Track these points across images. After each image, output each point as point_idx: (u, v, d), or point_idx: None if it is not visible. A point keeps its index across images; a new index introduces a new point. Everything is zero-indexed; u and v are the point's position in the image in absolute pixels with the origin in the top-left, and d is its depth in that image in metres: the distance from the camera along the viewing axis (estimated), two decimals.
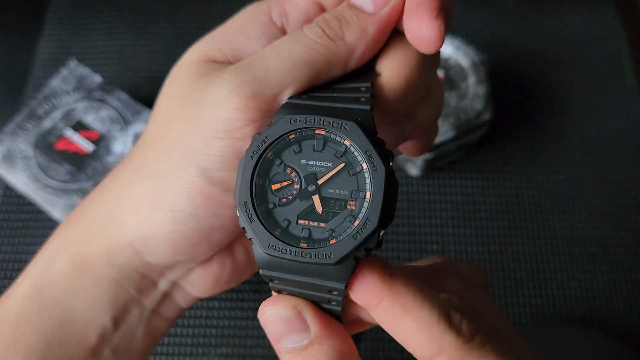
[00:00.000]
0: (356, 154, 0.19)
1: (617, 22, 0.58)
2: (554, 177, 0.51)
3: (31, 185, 0.45)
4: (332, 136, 0.19)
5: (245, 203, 0.19)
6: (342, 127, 0.19)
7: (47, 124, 0.47)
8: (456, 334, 0.18)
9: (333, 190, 0.19)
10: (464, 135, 0.46)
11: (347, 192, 0.19)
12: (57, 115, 0.47)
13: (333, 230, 0.18)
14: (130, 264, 0.23)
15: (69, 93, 0.48)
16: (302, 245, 0.18)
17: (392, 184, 0.18)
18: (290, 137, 0.19)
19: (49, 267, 0.24)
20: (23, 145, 0.46)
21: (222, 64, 0.23)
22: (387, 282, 0.18)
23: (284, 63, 0.20)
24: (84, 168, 0.45)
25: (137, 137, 0.46)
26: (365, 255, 0.18)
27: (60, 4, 0.60)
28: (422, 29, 0.20)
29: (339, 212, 0.18)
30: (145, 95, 0.55)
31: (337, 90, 0.21)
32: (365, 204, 0.18)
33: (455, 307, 0.19)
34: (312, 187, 0.19)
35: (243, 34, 0.23)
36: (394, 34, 0.22)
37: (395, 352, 0.44)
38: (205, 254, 0.24)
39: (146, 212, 0.22)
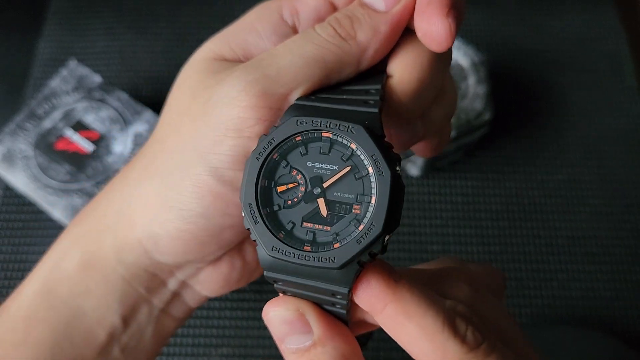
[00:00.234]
0: (362, 157, 0.19)
1: (617, 22, 0.58)
2: (554, 177, 0.51)
3: (31, 185, 0.45)
4: (339, 139, 0.19)
5: (250, 204, 0.19)
6: (349, 130, 0.19)
7: (47, 124, 0.47)
8: (460, 342, 0.18)
9: (338, 194, 0.19)
10: (464, 136, 0.46)
11: (353, 196, 0.18)
12: (57, 115, 0.47)
13: (337, 234, 0.18)
14: (140, 263, 0.23)
15: (68, 93, 0.48)
16: (305, 248, 0.18)
17: (398, 188, 0.18)
18: (297, 139, 0.19)
19: (58, 266, 0.24)
20: (23, 145, 0.46)
21: (232, 62, 0.23)
22: (391, 287, 0.18)
23: (296, 61, 0.20)
24: (84, 168, 0.45)
25: (137, 137, 0.46)
26: (370, 260, 0.18)
27: (60, 5, 0.60)
28: (433, 27, 0.19)
29: (344, 216, 0.18)
30: (145, 95, 0.55)
31: (346, 93, 0.21)
32: (371, 209, 0.18)
33: (461, 314, 0.18)
34: (317, 190, 0.19)
35: (254, 32, 0.23)
36: (405, 33, 0.21)
37: (396, 352, 0.44)
38: (215, 253, 0.24)
39: (156, 211, 0.22)
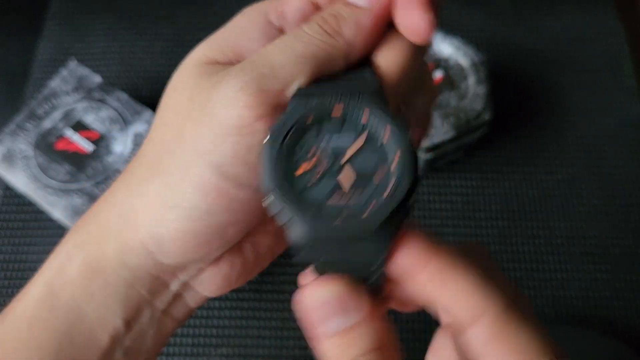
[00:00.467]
0: (376, 124, 0.19)
1: (617, 22, 0.58)
2: (554, 177, 0.51)
3: (31, 185, 0.45)
4: (350, 112, 0.19)
5: (275, 188, 0.18)
6: (359, 100, 0.19)
7: (47, 124, 0.47)
8: (502, 295, 0.18)
9: (358, 166, 0.19)
10: (463, 136, 0.46)
11: (372, 165, 0.18)
12: (57, 115, 0.47)
13: (364, 204, 0.18)
14: (143, 266, 0.23)
15: (68, 93, 0.48)
16: (337, 222, 0.18)
17: (414, 150, 0.18)
18: (308, 120, 0.19)
19: (61, 269, 0.25)
20: (23, 145, 0.46)
21: (225, 65, 0.23)
22: (432, 245, 0.19)
23: (287, 59, 0.21)
24: (84, 168, 0.45)
25: (137, 137, 0.46)
26: (403, 219, 0.18)
27: (60, 6, 0.60)
28: (412, 20, 0.21)
29: (367, 187, 0.18)
30: (145, 96, 0.55)
31: (342, 79, 0.21)
32: (393, 172, 0.18)
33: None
34: (336, 166, 0.19)
35: (244, 35, 0.24)
36: (388, 28, 0.23)
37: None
38: (218, 252, 0.24)
39: (159, 211, 0.22)
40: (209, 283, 0.25)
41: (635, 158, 0.52)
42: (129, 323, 0.24)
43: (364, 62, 0.22)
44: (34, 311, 0.24)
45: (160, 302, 0.25)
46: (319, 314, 0.19)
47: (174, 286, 0.25)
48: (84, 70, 0.49)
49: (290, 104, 0.20)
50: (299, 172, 0.19)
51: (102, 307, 0.23)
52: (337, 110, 0.19)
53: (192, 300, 0.26)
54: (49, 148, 0.46)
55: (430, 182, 0.51)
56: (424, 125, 0.27)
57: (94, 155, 0.46)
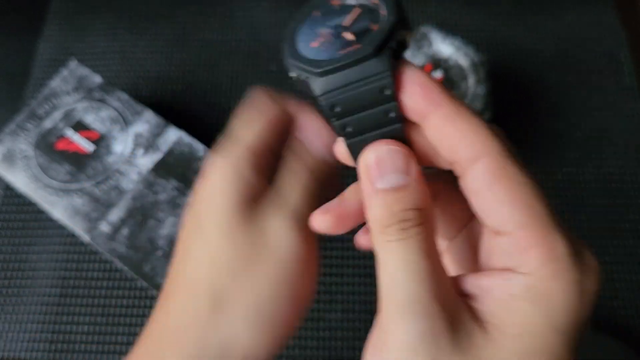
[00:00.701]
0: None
1: (617, 22, 0.58)
2: (553, 177, 0.51)
3: (31, 185, 0.45)
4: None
5: (289, 59, 0.21)
6: None
7: (47, 124, 0.47)
8: (501, 142, 0.19)
9: (355, 27, 0.21)
10: None
11: (367, 24, 0.21)
12: (57, 115, 0.47)
13: (368, 42, 0.20)
14: None
15: (69, 93, 0.48)
16: (341, 52, 0.20)
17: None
18: (316, 13, 0.22)
19: None
20: (23, 145, 0.46)
21: (256, 191, 0.24)
22: (439, 87, 0.20)
23: (307, 199, 0.24)
24: (84, 168, 0.45)
25: (137, 137, 0.46)
26: (399, 47, 0.20)
27: (60, 5, 0.60)
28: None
29: (367, 34, 0.20)
30: (145, 95, 0.55)
31: None
32: (383, 15, 0.20)
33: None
34: (339, 29, 0.21)
35: (270, 151, 0.26)
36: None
37: None
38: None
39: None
40: None
41: (634, 158, 0.52)
42: None
43: None
44: None
45: None
46: (375, 169, 0.20)
47: None
48: (84, 70, 0.49)
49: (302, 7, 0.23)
50: (313, 44, 0.21)
51: None
52: (336, 1, 0.22)
53: None
54: (50, 148, 0.46)
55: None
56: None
57: (94, 155, 0.46)
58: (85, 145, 0.46)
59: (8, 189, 0.51)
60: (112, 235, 0.43)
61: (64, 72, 0.49)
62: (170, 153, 0.46)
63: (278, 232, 0.23)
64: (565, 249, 0.19)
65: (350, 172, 0.23)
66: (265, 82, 0.56)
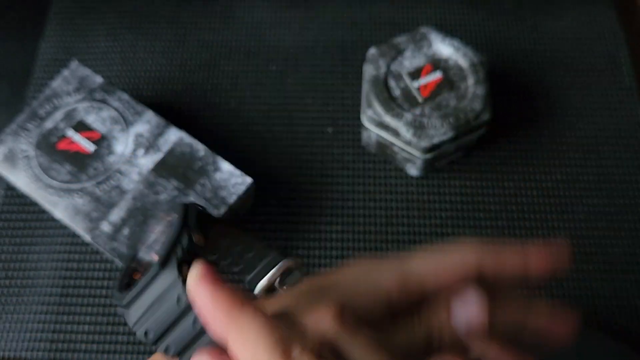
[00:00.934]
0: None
1: (616, 22, 0.58)
2: (552, 177, 0.51)
3: (32, 185, 0.45)
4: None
5: (113, 295, 0.22)
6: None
7: (48, 124, 0.47)
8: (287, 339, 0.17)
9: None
10: (463, 136, 0.47)
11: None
12: (58, 115, 0.48)
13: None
14: None
15: (70, 94, 0.49)
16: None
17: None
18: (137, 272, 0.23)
19: None
20: (24, 145, 0.47)
21: None
22: (234, 302, 0.18)
23: None
24: (85, 168, 0.46)
25: (137, 137, 0.47)
26: (186, 254, 0.20)
27: (61, 6, 0.60)
28: None
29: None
30: (145, 96, 0.56)
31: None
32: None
33: (306, 349, 0.17)
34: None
35: None
36: None
37: None
38: None
39: None
40: None
41: (634, 158, 0.52)
42: None
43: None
44: None
45: None
46: None
47: None
48: (85, 71, 0.49)
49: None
50: (135, 277, 0.22)
51: None
52: (154, 230, 0.24)
53: None
54: (51, 148, 0.46)
55: (429, 182, 0.51)
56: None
57: (95, 156, 0.46)
58: (86, 145, 0.47)
59: (9, 189, 0.51)
60: (113, 235, 0.43)
61: (65, 73, 0.49)
62: (170, 153, 0.46)
63: None
64: None
65: None
66: (265, 82, 0.56)
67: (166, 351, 0.20)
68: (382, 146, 0.49)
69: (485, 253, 0.22)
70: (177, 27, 0.59)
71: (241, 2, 0.60)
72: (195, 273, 0.18)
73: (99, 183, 0.45)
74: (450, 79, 0.47)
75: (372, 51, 0.49)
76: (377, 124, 0.47)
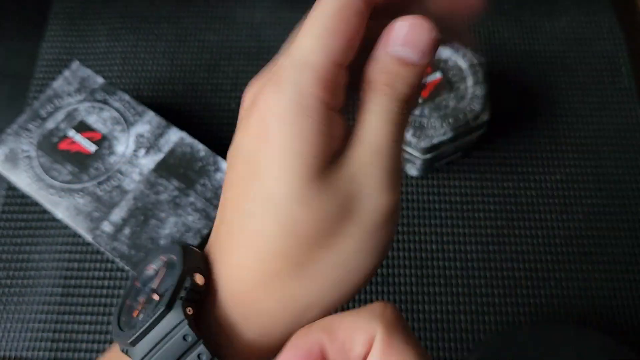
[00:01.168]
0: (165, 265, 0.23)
1: (615, 23, 0.58)
2: (551, 177, 0.51)
3: (34, 185, 0.45)
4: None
5: (118, 341, 0.22)
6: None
7: (49, 124, 0.48)
8: (387, 319, 0.18)
9: (164, 284, 0.23)
10: (462, 136, 0.47)
11: (172, 278, 0.22)
12: (59, 116, 0.48)
13: (162, 295, 0.22)
14: None
15: (71, 94, 0.49)
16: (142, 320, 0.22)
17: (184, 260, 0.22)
18: (137, 284, 0.24)
19: None
20: (26, 145, 0.47)
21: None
22: None
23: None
24: (86, 168, 0.46)
25: (138, 138, 0.47)
26: (191, 294, 0.21)
27: (62, 7, 0.61)
28: None
29: (167, 292, 0.22)
30: (146, 96, 0.56)
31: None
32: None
33: None
34: (150, 293, 0.23)
35: None
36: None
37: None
38: None
39: None
40: None
41: (632, 158, 0.52)
42: None
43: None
44: None
45: None
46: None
47: None
48: (86, 71, 0.50)
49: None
50: (134, 314, 0.23)
51: None
52: (148, 267, 0.24)
53: None
54: (52, 148, 0.47)
55: (428, 182, 0.51)
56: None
57: (96, 156, 0.46)
58: (87, 145, 0.47)
59: (11, 189, 0.52)
60: (114, 235, 0.43)
61: (66, 73, 0.50)
62: (171, 153, 0.46)
63: (371, 197, 0.20)
64: None
65: None
66: None
67: None
68: None
69: None
70: (177, 28, 0.59)
71: (241, 3, 0.60)
72: None
73: (100, 183, 0.45)
74: (449, 80, 0.48)
75: None
76: None
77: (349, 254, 0.20)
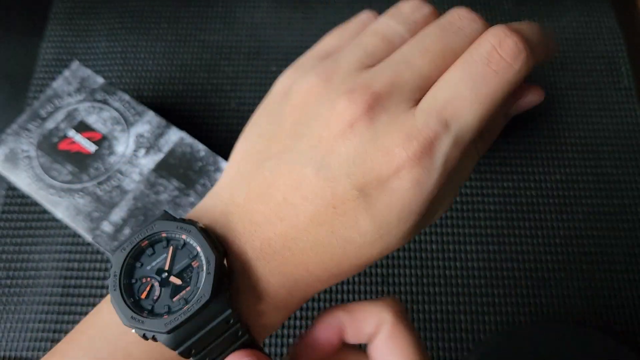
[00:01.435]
0: (172, 234, 0.23)
1: (615, 23, 0.58)
2: (551, 177, 0.51)
3: (33, 185, 0.45)
4: (152, 238, 0.23)
5: (130, 325, 0.22)
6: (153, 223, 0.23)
7: (49, 124, 0.48)
8: (394, 311, 0.23)
9: (177, 269, 0.23)
10: None
11: (186, 259, 0.23)
12: (59, 116, 0.48)
13: (196, 283, 0.22)
14: None
15: (71, 94, 0.49)
16: (184, 308, 0.22)
17: (207, 236, 0.23)
18: (143, 244, 0.23)
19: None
20: (26, 145, 0.47)
21: None
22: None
23: None
24: (86, 168, 0.46)
25: (138, 138, 0.47)
26: (226, 277, 0.22)
27: (62, 6, 0.60)
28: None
29: (192, 272, 0.22)
30: (146, 96, 0.56)
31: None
32: (201, 255, 0.22)
33: None
34: (165, 275, 0.23)
35: None
36: None
37: None
38: None
39: None
40: None
41: (632, 158, 0.52)
42: None
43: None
44: None
45: None
46: None
47: None
48: (86, 71, 0.50)
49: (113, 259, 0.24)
50: (143, 296, 0.23)
51: None
52: (144, 242, 0.23)
53: None
54: (52, 148, 0.47)
55: None
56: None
57: (96, 156, 0.46)
58: (87, 145, 0.47)
59: (10, 189, 0.51)
60: (114, 235, 0.43)
61: (66, 73, 0.50)
62: (171, 153, 0.46)
63: None
64: None
65: None
66: (265, 83, 0.56)
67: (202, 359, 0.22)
68: None
69: None
70: (178, 27, 0.59)
71: (242, 3, 0.60)
72: None
73: (100, 183, 0.45)
74: None
75: None
76: None
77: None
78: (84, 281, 0.48)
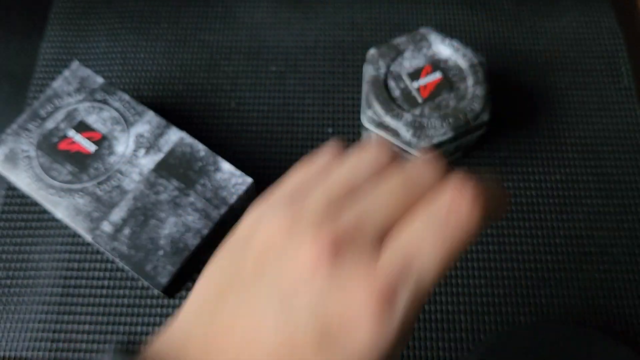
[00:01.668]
0: None
1: (615, 23, 0.58)
2: (551, 177, 0.51)
3: (33, 185, 0.45)
4: None
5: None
6: None
7: (49, 124, 0.48)
8: None
9: None
10: (462, 136, 0.47)
11: None
12: (59, 116, 0.48)
13: None
14: None
15: (71, 94, 0.49)
16: None
17: None
18: None
19: None
20: (25, 145, 0.47)
21: None
22: None
23: None
24: (86, 168, 0.46)
25: (138, 138, 0.47)
26: None
27: (62, 6, 0.61)
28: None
29: None
30: (146, 96, 0.56)
31: None
32: None
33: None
34: None
35: None
36: None
37: None
38: None
39: None
40: None
41: (632, 158, 0.52)
42: None
43: None
44: None
45: None
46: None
47: None
48: (86, 71, 0.50)
49: None
50: None
51: None
52: None
53: None
54: (52, 148, 0.47)
55: None
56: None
57: (96, 156, 0.46)
58: (87, 145, 0.47)
59: (10, 189, 0.51)
60: (114, 235, 0.43)
61: (66, 73, 0.50)
62: (171, 153, 0.46)
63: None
64: None
65: None
66: (265, 82, 0.56)
67: None
68: None
69: None
70: (177, 27, 0.59)
71: (242, 3, 0.60)
72: None
73: (99, 183, 0.45)
74: (449, 80, 0.48)
75: (372, 52, 0.49)
76: (377, 124, 0.47)
77: None
78: (84, 281, 0.48)
